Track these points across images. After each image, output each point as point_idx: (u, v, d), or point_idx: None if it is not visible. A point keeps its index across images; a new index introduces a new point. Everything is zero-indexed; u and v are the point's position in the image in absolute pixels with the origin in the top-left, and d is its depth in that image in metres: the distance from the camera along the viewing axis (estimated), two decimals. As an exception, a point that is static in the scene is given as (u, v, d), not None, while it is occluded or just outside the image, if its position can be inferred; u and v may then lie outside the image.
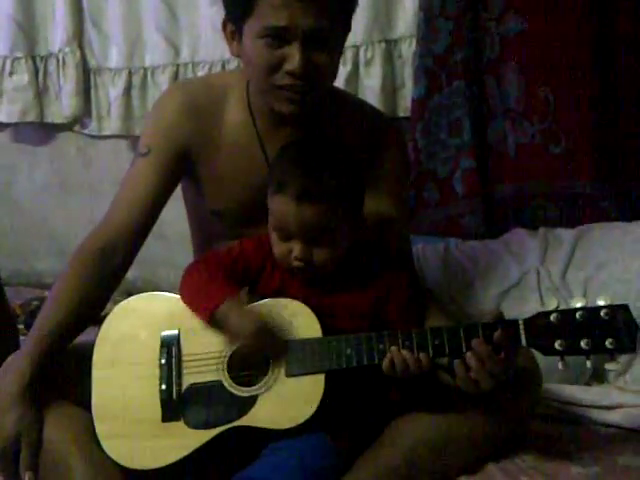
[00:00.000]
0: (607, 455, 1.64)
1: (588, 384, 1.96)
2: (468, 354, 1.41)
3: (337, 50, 1.61)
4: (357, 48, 2.55)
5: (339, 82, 2.54)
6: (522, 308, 2.14)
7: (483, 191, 2.48)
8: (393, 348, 1.43)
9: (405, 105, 2.55)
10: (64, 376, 1.54)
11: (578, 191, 2.42)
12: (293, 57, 1.51)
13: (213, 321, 1.49)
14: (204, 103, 1.68)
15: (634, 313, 1.40)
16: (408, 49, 2.52)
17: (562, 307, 1.41)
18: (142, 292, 1.64)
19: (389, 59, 2.55)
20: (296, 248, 1.51)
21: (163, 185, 1.67)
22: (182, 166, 1.69)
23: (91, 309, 1.59)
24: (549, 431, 1.76)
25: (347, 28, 1.64)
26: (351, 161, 1.57)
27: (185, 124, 1.66)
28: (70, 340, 1.56)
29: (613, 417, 1.81)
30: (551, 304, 1.42)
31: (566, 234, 2.32)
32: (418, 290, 1.73)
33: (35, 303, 2.55)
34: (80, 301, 1.56)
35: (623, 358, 1.40)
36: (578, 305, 1.40)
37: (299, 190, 1.48)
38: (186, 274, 1.58)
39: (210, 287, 1.51)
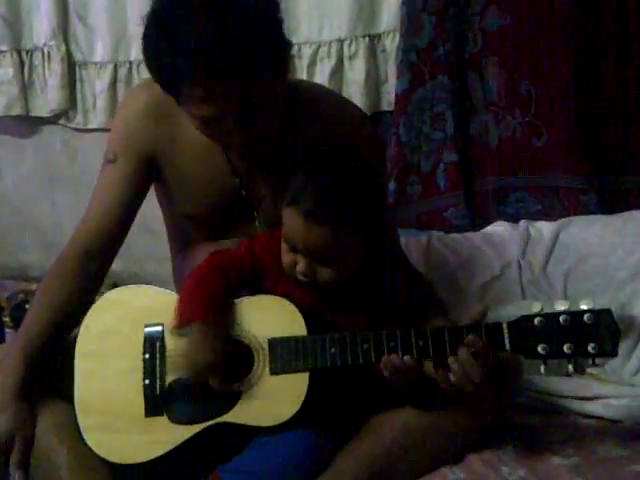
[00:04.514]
0: (587, 445, 1.65)
1: (569, 375, 1.98)
2: (450, 359, 1.40)
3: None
4: (341, 42, 2.55)
5: (323, 77, 2.56)
6: (504, 300, 2.17)
7: (466, 185, 2.49)
8: (384, 358, 1.42)
9: (389, 99, 2.56)
10: (48, 369, 1.53)
11: (559, 184, 2.44)
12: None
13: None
14: (168, 104, 1.53)
15: (615, 305, 1.42)
16: (392, 43, 2.53)
17: (545, 305, 1.41)
18: (128, 285, 1.64)
19: (373, 53, 2.55)
20: (300, 263, 1.47)
21: (133, 190, 1.65)
22: (150, 170, 1.67)
23: (73, 312, 1.58)
24: (530, 422, 1.78)
25: None
26: (373, 179, 1.50)
27: (149, 128, 1.61)
28: (57, 340, 1.55)
29: (593, 408, 1.82)
30: (535, 307, 1.41)
31: (547, 227, 2.34)
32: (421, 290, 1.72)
33: (21, 296, 2.54)
34: (60, 307, 1.56)
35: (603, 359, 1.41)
36: (562, 308, 1.40)
37: (308, 208, 1.42)
38: (191, 272, 1.56)
39: (190, 300, 1.49)
